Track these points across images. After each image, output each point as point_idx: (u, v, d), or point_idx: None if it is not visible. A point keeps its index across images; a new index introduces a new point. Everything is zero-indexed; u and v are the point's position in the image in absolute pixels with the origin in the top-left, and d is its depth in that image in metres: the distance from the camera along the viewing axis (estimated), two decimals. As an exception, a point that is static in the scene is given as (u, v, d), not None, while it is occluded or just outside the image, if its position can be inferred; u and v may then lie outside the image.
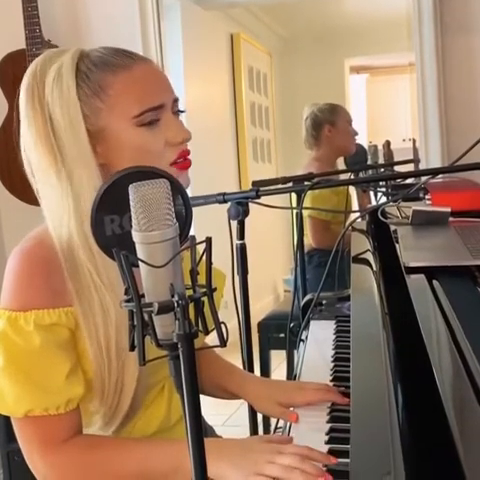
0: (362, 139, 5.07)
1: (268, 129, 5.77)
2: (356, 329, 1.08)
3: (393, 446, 0.67)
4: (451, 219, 1.27)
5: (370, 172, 2.68)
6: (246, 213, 1.50)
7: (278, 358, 2.95)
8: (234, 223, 1.51)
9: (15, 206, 2.45)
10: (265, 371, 2.76)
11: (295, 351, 1.55)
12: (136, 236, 0.66)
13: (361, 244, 1.58)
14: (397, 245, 1.15)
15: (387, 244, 1.30)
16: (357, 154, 3.17)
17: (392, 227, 1.32)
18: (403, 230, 1.25)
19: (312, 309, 1.54)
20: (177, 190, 0.72)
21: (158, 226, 0.65)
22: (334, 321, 1.54)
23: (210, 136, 4.42)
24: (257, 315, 2.60)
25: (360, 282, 1.33)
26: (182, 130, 1.05)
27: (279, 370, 3.17)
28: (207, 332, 0.68)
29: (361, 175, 2.55)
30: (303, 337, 1.48)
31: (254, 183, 1.84)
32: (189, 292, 0.66)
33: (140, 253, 0.66)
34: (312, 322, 1.55)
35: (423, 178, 1.44)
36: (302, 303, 1.66)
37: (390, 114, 7.29)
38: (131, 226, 0.67)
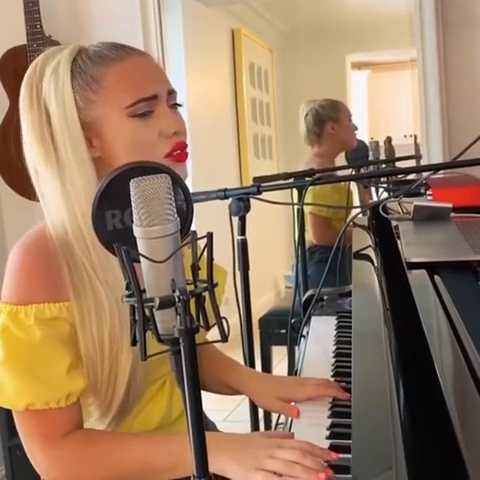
0: (363, 135, 5.07)
1: (269, 125, 5.76)
2: (357, 325, 1.08)
3: (394, 441, 0.67)
4: (452, 215, 1.27)
5: (371, 168, 2.68)
6: (247, 209, 1.50)
7: (279, 354, 2.95)
8: (235, 219, 1.51)
9: (16, 202, 2.45)
10: (266, 367, 2.76)
11: (296, 347, 1.55)
12: (137, 231, 0.66)
13: (362, 240, 1.58)
14: (398, 241, 1.15)
15: (388, 240, 1.30)
16: (358, 150, 3.16)
17: (393, 223, 1.32)
18: (404, 226, 1.25)
19: (313, 305, 1.54)
20: (178, 185, 0.72)
21: (159, 221, 0.65)
22: (335, 317, 1.54)
23: (211, 132, 4.42)
24: (258, 311, 2.60)
25: (361, 278, 1.33)
26: (176, 122, 1.05)
27: (280, 366, 3.18)
28: (208, 327, 0.68)
29: (362, 171, 2.54)
30: (304, 333, 1.48)
31: (255, 179, 1.84)
32: (190, 287, 0.66)
33: (141, 248, 0.66)
34: (313, 318, 1.55)
35: (424, 174, 1.44)
36: (303, 299, 1.66)
37: (391, 110, 7.28)
38: (132, 221, 0.67)
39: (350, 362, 1.11)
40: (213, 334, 0.74)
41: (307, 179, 1.73)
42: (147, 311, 0.65)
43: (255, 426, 1.51)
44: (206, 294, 0.67)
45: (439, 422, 0.59)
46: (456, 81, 2.75)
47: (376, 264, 1.35)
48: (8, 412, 1.08)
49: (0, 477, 2.29)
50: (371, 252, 1.45)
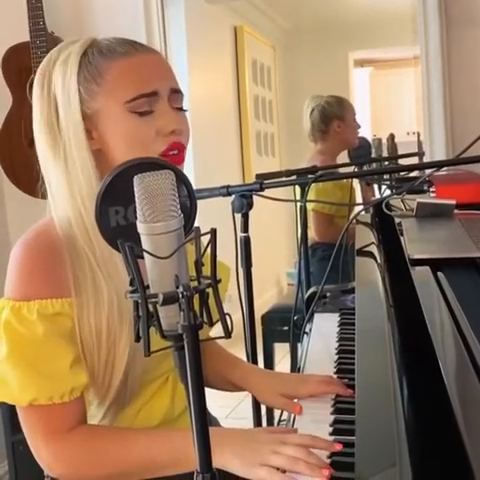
0: (366, 132, 5.05)
1: (272, 122, 5.75)
2: (361, 321, 1.08)
3: (398, 438, 0.67)
4: (456, 211, 1.27)
5: (374, 165, 2.67)
6: (250, 206, 1.50)
7: (281, 351, 2.95)
8: (237, 216, 1.51)
9: (20, 199, 2.45)
10: (269, 364, 2.76)
11: (299, 344, 1.55)
12: (141, 227, 0.66)
13: (365, 237, 1.58)
14: (402, 237, 1.15)
15: (391, 237, 1.30)
16: (361, 147, 3.16)
17: (396, 220, 1.32)
18: (408, 222, 1.25)
19: (316, 302, 1.54)
20: (182, 182, 0.72)
21: (163, 217, 0.65)
22: (338, 314, 1.54)
23: (214, 129, 4.42)
24: (260, 308, 2.60)
25: (365, 275, 1.33)
26: (175, 120, 1.05)
27: (282, 363, 3.18)
28: (212, 323, 0.68)
29: (365, 168, 2.54)
30: (307, 330, 1.48)
31: (258, 176, 1.84)
32: (194, 284, 0.66)
33: (145, 244, 0.66)
34: (316, 315, 1.55)
35: (428, 171, 1.44)
36: (306, 296, 1.66)
37: (394, 108, 7.27)
38: (136, 217, 0.67)
39: (353, 359, 1.11)
40: (216, 331, 0.74)
41: (310, 176, 1.72)
42: (151, 307, 0.65)
43: (258, 423, 1.51)
44: (210, 290, 0.67)
45: (443, 418, 0.59)
46: (459, 78, 2.74)
47: (379, 261, 1.35)
48: (11, 408, 1.08)
49: (3, 473, 2.29)
50: (374, 249, 1.45)
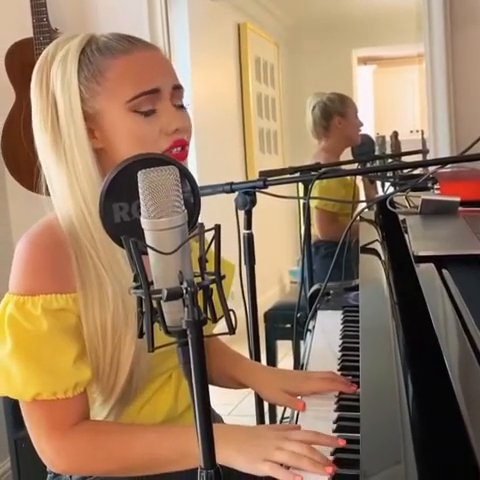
0: (369, 130, 5.05)
1: (275, 120, 5.75)
2: (365, 319, 1.08)
3: (403, 435, 0.67)
4: (460, 208, 1.27)
5: (377, 163, 2.67)
6: (253, 203, 1.50)
7: (284, 348, 2.95)
8: (241, 214, 1.51)
9: (22, 195, 2.45)
10: (271, 361, 2.77)
11: (302, 341, 1.55)
12: (145, 223, 0.66)
13: (369, 234, 1.58)
14: (406, 235, 1.15)
15: (396, 234, 1.29)
16: (364, 145, 3.16)
17: (401, 217, 1.31)
18: (412, 220, 1.24)
19: (319, 299, 1.53)
20: (185, 177, 0.71)
21: (167, 213, 0.65)
22: (341, 311, 1.54)
23: (217, 127, 4.42)
24: (263, 306, 2.60)
25: (369, 272, 1.33)
26: (178, 119, 1.04)
27: (285, 361, 3.18)
28: (215, 319, 0.68)
29: (368, 166, 2.54)
30: (310, 327, 1.48)
31: (261, 173, 1.83)
32: (198, 280, 0.66)
33: (149, 240, 0.66)
34: (319, 312, 1.55)
35: (432, 168, 1.43)
36: (309, 293, 1.65)
37: (398, 105, 7.26)
38: (140, 213, 0.67)
39: (357, 356, 1.11)
40: (219, 327, 0.74)
41: (313, 173, 1.72)
42: (154, 303, 0.65)
43: (260, 420, 1.51)
44: (213, 287, 0.67)
45: (448, 415, 0.59)
46: (464, 76, 2.74)
47: (383, 258, 1.35)
48: (14, 405, 1.08)
49: (5, 470, 2.30)
50: (378, 246, 1.45)
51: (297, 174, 1.88)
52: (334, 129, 3.02)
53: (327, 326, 1.46)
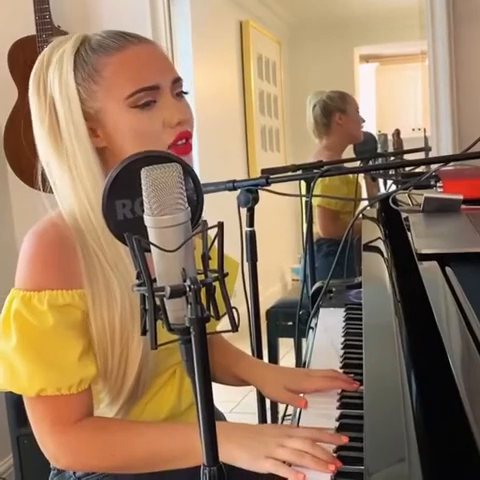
0: (371, 128, 5.04)
1: (277, 118, 5.75)
2: (368, 317, 1.08)
3: (407, 433, 0.67)
4: (463, 206, 1.26)
5: (380, 160, 2.66)
6: (256, 200, 1.50)
7: (286, 346, 2.95)
8: (243, 211, 1.51)
9: (25, 191, 2.45)
10: (273, 359, 2.77)
11: (304, 339, 1.55)
12: (148, 220, 0.66)
13: (372, 232, 1.58)
14: (409, 233, 1.15)
15: (398, 232, 1.29)
16: (367, 143, 3.15)
17: (403, 215, 1.31)
18: (415, 217, 1.24)
19: (321, 296, 1.53)
20: (188, 174, 0.71)
21: (170, 210, 0.65)
22: (343, 309, 1.54)
23: (219, 124, 4.41)
24: (265, 303, 2.60)
25: (371, 270, 1.32)
26: (180, 111, 1.04)
27: (287, 358, 3.18)
28: (218, 317, 0.68)
29: (371, 164, 2.53)
30: (312, 325, 1.48)
31: (263, 171, 1.83)
32: (201, 277, 0.66)
33: (152, 238, 0.66)
34: (321, 310, 1.55)
35: (435, 165, 1.43)
36: (311, 291, 1.65)
37: (400, 103, 7.25)
38: (143, 211, 0.66)
39: (359, 354, 1.11)
40: (222, 324, 0.74)
41: (315, 171, 1.72)
42: (158, 300, 0.65)
43: (262, 417, 1.51)
44: (216, 284, 0.67)
45: (452, 412, 0.59)
46: (467, 73, 2.73)
47: (386, 256, 1.35)
48: (17, 402, 1.08)
49: (8, 466, 2.30)
50: (381, 244, 1.44)
51: (299, 172, 1.88)
52: (335, 126, 3.02)
53: (329, 324, 1.46)
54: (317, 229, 2.90)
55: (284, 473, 0.87)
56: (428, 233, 1.18)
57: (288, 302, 2.88)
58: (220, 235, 0.67)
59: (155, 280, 0.66)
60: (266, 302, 2.84)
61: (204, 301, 0.65)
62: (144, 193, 0.66)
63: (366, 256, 1.41)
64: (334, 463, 0.85)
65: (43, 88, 1.02)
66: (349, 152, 3.16)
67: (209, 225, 0.68)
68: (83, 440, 0.99)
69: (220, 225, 0.67)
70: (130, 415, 1.09)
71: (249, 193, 1.49)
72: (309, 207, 1.77)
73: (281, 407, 1.83)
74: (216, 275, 0.67)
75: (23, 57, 2.49)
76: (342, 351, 1.27)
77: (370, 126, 4.53)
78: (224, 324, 0.70)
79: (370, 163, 2.50)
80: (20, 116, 2.44)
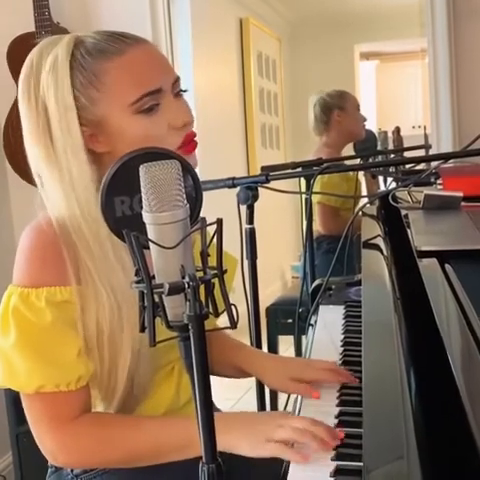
0: (372, 126, 5.04)
1: (276, 115, 5.74)
2: (367, 314, 1.08)
3: (406, 430, 0.67)
4: (463, 204, 1.26)
5: (380, 158, 2.66)
6: (255, 198, 1.50)
7: (285, 344, 2.95)
8: (243, 209, 1.51)
9: (24, 188, 2.45)
10: (273, 356, 2.76)
11: (303, 336, 1.55)
12: (146, 217, 0.66)
13: (371, 229, 1.57)
14: (408, 230, 1.14)
15: (398, 229, 1.29)
16: (367, 140, 3.15)
17: (403, 212, 1.31)
18: (415, 214, 1.24)
19: (321, 294, 1.53)
20: (187, 171, 0.71)
21: (169, 207, 0.65)
22: (343, 306, 1.54)
23: (219, 122, 4.41)
24: (265, 301, 2.60)
25: (371, 267, 1.32)
26: (183, 113, 1.03)
27: (286, 355, 3.18)
28: (217, 314, 0.68)
29: (371, 161, 2.53)
30: (312, 322, 1.48)
31: (263, 168, 1.83)
32: (200, 274, 0.66)
33: (151, 234, 0.66)
34: (321, 307, 1.55)
35: (435, 163, 1.43)
36: (311, 288, 1.65)
37: (400, 101, 7.24)
38: (141, 207, 0.66)
39: (358, 351, 1.11)
40: (221, 321, 0.74)
41: (315, 168, 1.71)
42: (156, 297, 0.65)
43: (262, 415, 1.51)
44: (215, 281, 0.67)
45: (451, 410, 0.59)
46: (467, 71, 2.73)
47: (386, 253, 1.34)
48: (15, 400, 1.08)
49: (7, 464, 2.30)
50: (380, 241, 1.44)
51: (299, 169, 1.88)
52: (334, 123, 3.03)
53: (329, 321, 1.46)
54: (317, 226, 2.91)
55: (287, 455, 0.87)
56: (428, 230, 1.18)
57: (288, 299, 2.89)
58: (219, 232, 0.67)
59: (154, 277, 0.66)
60: (266, 299, 2.84)
61: (203, 298, 0.65)
62: (143, 190, 0.65)
63: (366, 253, 1.41)
64: (336, 438, 0.87)
65: (34, 93, 0.99)
66: (349, 149, 3.16)
67: (208, 222, 0.68)
68: (81, 436, 0.99)
69: (219, 222, 0.67)
70: (128, 412, 1.09)
71: (249, 190, 1.49)
72: (309, 204, 1.77)
73: (280, 404, 1.83)
74: (215, 272, 0.67)
75: (22, 54, 2.48)
76: (342, 348, 1.27)
77: (370, 123, 4.51)
78: (223, 321, 0.69)
79: (370, 160, 2.49)
80: (19, 112, 2.44)
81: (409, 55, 6.77)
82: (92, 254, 0.98)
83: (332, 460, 0.86)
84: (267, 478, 0.97)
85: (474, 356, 0.63)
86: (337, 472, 0.83)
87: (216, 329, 0.73)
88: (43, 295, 0.96)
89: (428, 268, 0.92)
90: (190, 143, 1.04)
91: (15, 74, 2.53)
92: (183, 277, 0.64)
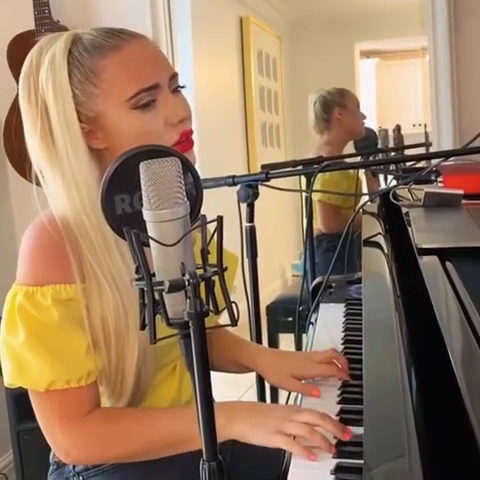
0: (372, 124, 5.04)
1: (277, 113, 5.74)
2: (368, 312, 1.08)
3: (407, 429, 0.67)
4: (464, 201, 1.26)
5: (380, 156, 2.66)
6: (256, 196, 1.50)
7: (286, 342, 2.95)
8: (243, 207, 1.51)
9: (25, 187, 2.45)
10: (273, 355, 2.77)
11: (304, 334, 1.55)
12: (147, 215, 0.66)
13: (372, 227, 1.57)
14: (409, 227, 1.14)
15: (398, 227, 1.29)
16: (367, 138, 3.15)
17: (404, 210, 1.31)
18: (415, 212, 1.24)
19: (322, 292, 1.53)
20: (188, 169, 0.71)
21: (169, 204, 0.64)
22: (343, 304, 1.54)
23: (219, 120, 4.41)
24: (265, 299, 2.60)
25: (372, 265, 1.32)
26: (181, 108, 1.03)
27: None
28: (218, 311, 0.68)
29: (371, 159, 2.53)
30: (312, 320, 1.48)
31: (264, 166, 1.83)
32: (200, 271, 0.66)
33: (151, 232, 0.66)
34: (321, 305, 1.55)
35: (436, 160, 1.43)
36: (312, 286, 1.65)
37: (400, 99, 7.24)
38: (141, 205, 0.66)
39: (359, 349, 1.11)
40: (221, 320, 0.74)
41: (316, 166, 1.71)
42: (157, 295, 0.65)
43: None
44: (216, 278, 0.67)
45: (452, 408, 0.59)
46: (467, 69, 2.73)
47: (386, 251, 1.34)
48: (16, 398, 1.08)
49: (8, 462, 2.30)
50: (381, 239, 1.44)
51: (299, 167, 1.88)
52: (335, 121, 3.02)
53: (329, 319, 1.46)
54: (318, 224, 2.91)
55: (296, 451, 0.88)
56: (428, 228, 1.17)
57: (288, 297, 2.89)
58: (219, 229, 0.67)
59: (154, 274, 0.66)
60: (266, 298, 2.84)
61: (203, 296, 0.65)
62: (143, 187, 0.65)
63: (366, 251, 1.41)
64: (344, 431, 0.88)
65: (34, 91, 1.00)
66: (350, 148, 3.16)
67: (209, 220, 0.68)
68: (94, 432, 0.99)
69: (219, 219, 0.67)
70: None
71: (249, 188, 1.49)
72: (309, 202, 1.77)
73: (281, 402, 1.83)
74: (215, 269, 0.67)
75: (22, 52, 2.47)
76: (342, 346, 1.27)
77: (371, 122, 4.52)
78: (224, 319, 0.69)
79: (370, 158, 2.49)
80: (19, 110, 2.43)
81: (410, 53, 6.76)
82: (95, 251, 0.98)
83: (333, 458, 0.87)
84: (268, 475, 0.97)
85: (475, 354, 0.63)
86: (338, 469, 0.84)
87: (216, 326, 0.73)
88: (49, 293, 0.96)
89: (429, 266, 0.92)
90: (186, 141, 1.03)
91: (15, 72, 2.53)
92: (183, 274, 0.64)
